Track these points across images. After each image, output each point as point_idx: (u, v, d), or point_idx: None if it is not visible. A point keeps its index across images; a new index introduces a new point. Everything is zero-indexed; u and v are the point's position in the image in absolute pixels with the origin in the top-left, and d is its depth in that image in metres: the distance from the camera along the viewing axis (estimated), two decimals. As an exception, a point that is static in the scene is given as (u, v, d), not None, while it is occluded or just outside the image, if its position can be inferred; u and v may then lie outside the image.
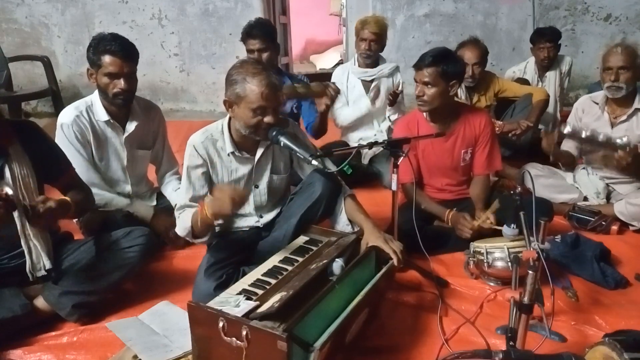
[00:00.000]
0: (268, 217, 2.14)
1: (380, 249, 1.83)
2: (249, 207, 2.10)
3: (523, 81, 3.72)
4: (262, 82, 1.79)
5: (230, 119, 1.97)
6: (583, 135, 2.35)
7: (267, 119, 1.84)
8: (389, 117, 3.28)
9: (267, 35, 2.89)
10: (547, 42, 3.71)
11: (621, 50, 2.51)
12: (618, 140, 2.33)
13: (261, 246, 2.04)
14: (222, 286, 1.77)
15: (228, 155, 1.98)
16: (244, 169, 2.03)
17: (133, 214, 2.37)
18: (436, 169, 2.47)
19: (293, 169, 2.16)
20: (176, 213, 1.99)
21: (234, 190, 1.73)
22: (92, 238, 2.02)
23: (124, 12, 5.10)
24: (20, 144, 1.76)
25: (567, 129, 2.43)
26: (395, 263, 1.81)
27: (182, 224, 1.92)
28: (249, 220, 2.12)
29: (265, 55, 2.87)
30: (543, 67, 3.83)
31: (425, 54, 2.26)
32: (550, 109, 3.73)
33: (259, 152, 2.01)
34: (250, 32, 2.89)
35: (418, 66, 2.26)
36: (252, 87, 1.79)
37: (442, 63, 2.20)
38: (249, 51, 2.92)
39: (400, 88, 3.19)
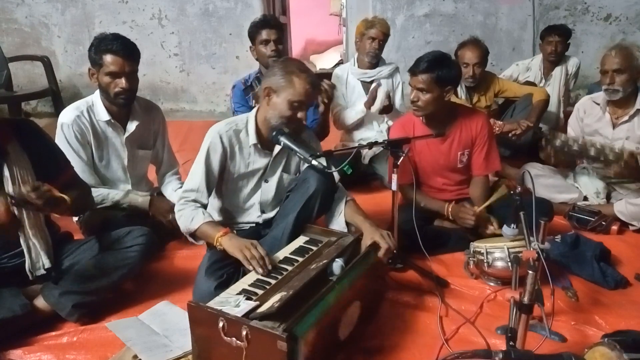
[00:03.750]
0: (269, 214, 2.14)
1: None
2: (254, 200, 2.12)
3: (530, 83, 3.71)
4: (307, 79, 1.89)
5: (257, 112, 2.01)
6: (575, 147, 2.36)
7: (300, 114, 1.92)
8: (386, 121, 3.27)
9: (280, 30, 2.89)
10: (556, 35, 3.69)
11: (615, 53, 2.50)
12: (610, 152, 2.31)
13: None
14: (222, 286, 1.76)
15: (250, 146, 2.02)
16: (260, 163, 2.06)
17: (133, 206, 2.36)
18: (433, 170, 2.46)
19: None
20: (180, 202, 1.98)
21: (267, 258, 1.73)
22: (92, 238, 2.01)
23: (124, 12, 5.10)
24: (18, 143, 1.76)
25: (557, 142, 2.43)
26: (381, 252, 1.83)
27: (187, 223, 1.93)
28: (251, 214, 2.13)
29: (280, 47, 2.82)
30: (550, 63, 3.80)
31: (420, 58, 2.23)
32: (553, 108, 3.73)
33: (277, 148, 2.04)
34: (267, 22, 2.84)
35: (413, 72, 2.22)
36: (299, 82, 1.87)
37: (437, 69, 2.17)
38: (263, 42, 2.78)
39: (392, 98, 3.17)
